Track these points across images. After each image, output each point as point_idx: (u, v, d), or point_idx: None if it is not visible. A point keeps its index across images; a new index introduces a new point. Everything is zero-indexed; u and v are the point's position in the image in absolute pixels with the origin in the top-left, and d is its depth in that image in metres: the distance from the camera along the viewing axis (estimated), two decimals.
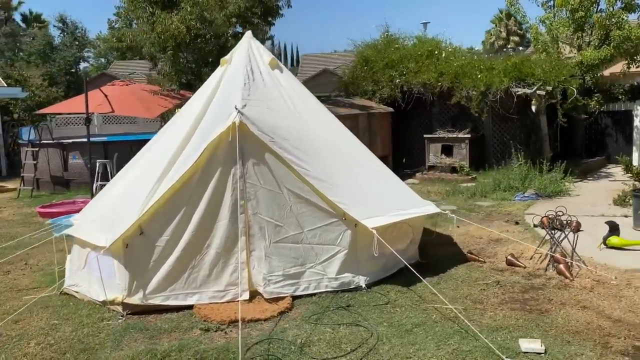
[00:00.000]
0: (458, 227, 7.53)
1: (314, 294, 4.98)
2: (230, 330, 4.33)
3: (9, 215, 10.24)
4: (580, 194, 9.73)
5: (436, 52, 12.77)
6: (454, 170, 12.37)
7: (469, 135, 12.40)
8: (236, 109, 4.96)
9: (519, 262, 5.67)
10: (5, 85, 17.49)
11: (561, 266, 5.30)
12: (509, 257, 5.75)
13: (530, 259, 5.86)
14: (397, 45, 13.47)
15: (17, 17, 35.95)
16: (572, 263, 5.40)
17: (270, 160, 5.00)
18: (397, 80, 12.77)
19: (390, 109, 13.07)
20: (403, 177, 12.61)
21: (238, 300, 4.78)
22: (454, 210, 8.85)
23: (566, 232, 6.71)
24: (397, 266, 5.53)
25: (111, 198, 5.64)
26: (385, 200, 5.56)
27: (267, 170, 5.00)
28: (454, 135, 12.61)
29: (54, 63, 28.08)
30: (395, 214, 5.42)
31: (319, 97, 13.73)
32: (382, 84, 13.15)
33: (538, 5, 13.43)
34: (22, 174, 12.76)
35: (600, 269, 5.40)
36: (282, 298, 4.86)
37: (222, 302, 4.83)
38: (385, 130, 12.85)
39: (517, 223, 7.60)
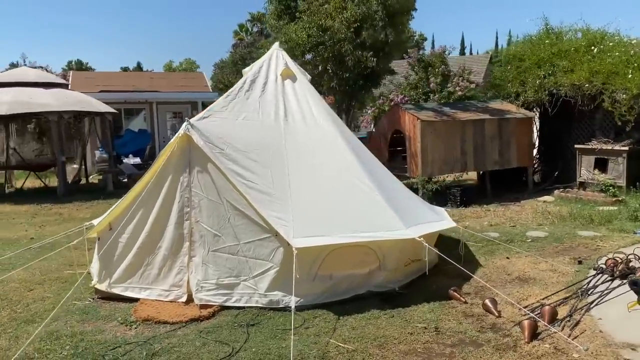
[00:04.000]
0: (508, 258, 6.47)
1: (245, 307, 4.98)
2: (135, 327, 4.68)
3: None
4: None
5: (592, 47, 10.69)
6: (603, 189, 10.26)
7: (626, 148, 10.11)
8: (187, 121, 5.24)
9: (494, 309, 4.67)
10: (211, 90, 20.62)
11: (525, 323, 4.21)
12: (487, 302, 4.78)
13: (525, 307, 4.75)
14: (548, 41, 11.66)
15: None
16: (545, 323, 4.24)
17: (213, 171, 5.14)
18: (539, 81, 11.10)
19: (531, 114, 11.44)
20: (540, 194, 11.06)
21: (176, 301, 5.15)
22: (541, 237, 7.52)
23: (623, 281, 5.32)
24: (353, 292, 5.16)
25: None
26: (346, 220, 5.17)
27: (210, 180, 5.16)
28: (609, 147, 10.43)
29: None
30: (347, 235, 5.01)
31: (445, 102, 12.89)
32: (528, 85, 11.59)
33: None
34: None
35: (586, 336, 4.12)
36: (210, 306, 4.99)
37: (166, 301, 5.20)
38: (523, 139, 11.28)
39: (580, 262, 6.11)
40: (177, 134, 5.27)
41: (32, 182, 15.61)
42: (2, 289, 5.86)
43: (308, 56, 12.03)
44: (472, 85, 18.39)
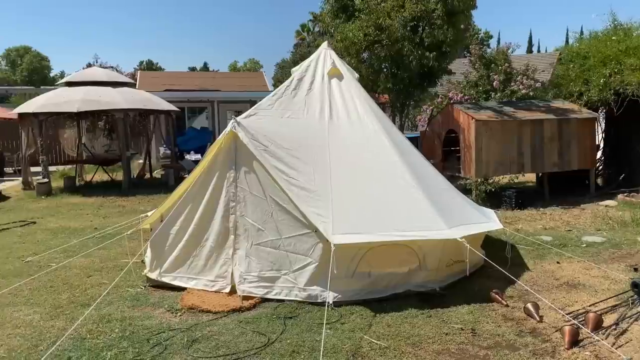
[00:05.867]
0: (558, 262, 6.27)
1: (285, 300, 5.10)
2: (180, 315, 4.91)
3: None
4: None
5: None
6: None
7: None
8: (234, 118, 5.42)
9: (536, 314, 4.55)
10: (270, 89, 21.00)
11: (566, 328, 4.08)
12: (529, 306, 4.66)
13: (569, 314, 4.60)
14: (615, 37, 11.08)
15: None
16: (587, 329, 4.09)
17: (257, 168, 5.29)
18: (604, 80, 10.57)
19: (594, 114, 10.92)
20: (602, 198, 10.54)
21: (221, 292, 5.36)
22: (597, 242, 7.21)
23: None
24: (392, 290, 5.18)
25: None
26: (386, 219, 5.19)
27: (255, 176, 5.31)
28: None
29: None
30: (386, 234, 5.03)
31: (507, 100, 12.48)
32: (592, 84, 11.07)
33: None
34: None
35: (631, 346, 3.94)
36: (252, 298, 5.15)
37: (211, 291, 5.41)
38: (585, 140, 10.78)
39: (635, 270, 5.82)
40: (224, 131, 5.47)
41: (100, 175, 16.52)
42: (65, 274, 6.29)
43: (364, 55, 12.05)
44: (537, 85, 17.69)
